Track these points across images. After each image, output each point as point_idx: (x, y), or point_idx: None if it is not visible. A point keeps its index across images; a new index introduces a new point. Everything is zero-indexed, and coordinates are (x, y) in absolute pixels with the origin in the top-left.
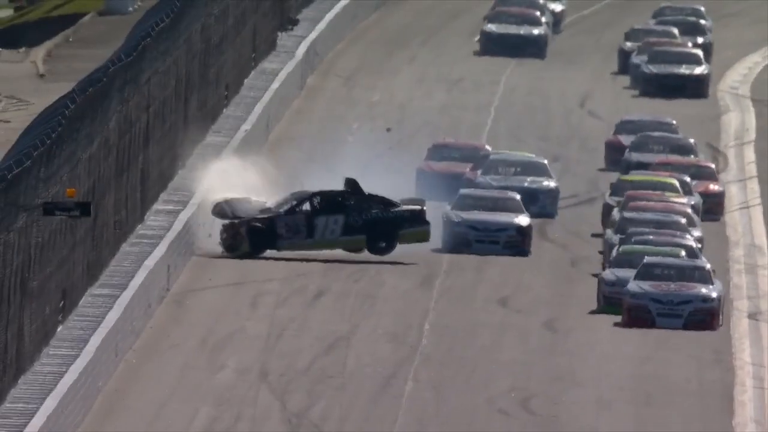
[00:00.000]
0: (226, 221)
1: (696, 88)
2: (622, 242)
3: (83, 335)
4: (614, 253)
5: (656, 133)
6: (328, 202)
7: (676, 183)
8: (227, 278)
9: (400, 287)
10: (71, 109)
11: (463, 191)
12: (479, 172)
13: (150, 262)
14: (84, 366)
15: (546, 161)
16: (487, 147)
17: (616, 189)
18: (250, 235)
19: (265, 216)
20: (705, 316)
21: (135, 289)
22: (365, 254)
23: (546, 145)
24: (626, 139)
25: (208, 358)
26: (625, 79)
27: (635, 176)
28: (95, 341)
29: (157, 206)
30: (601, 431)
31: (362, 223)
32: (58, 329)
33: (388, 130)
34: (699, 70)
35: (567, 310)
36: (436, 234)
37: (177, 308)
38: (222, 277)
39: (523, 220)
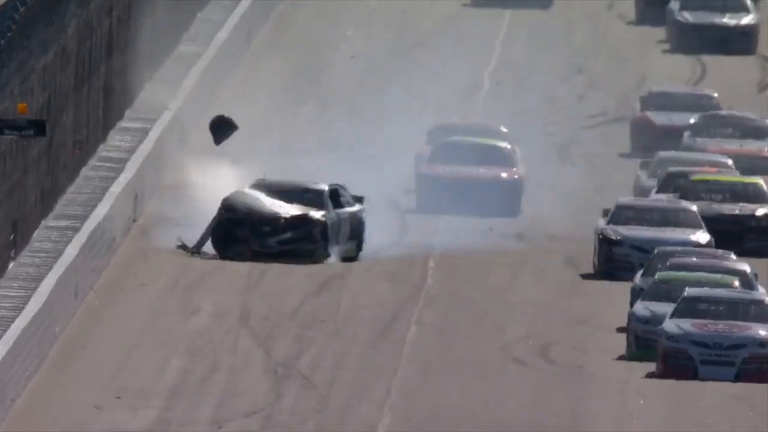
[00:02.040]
0: (281, 220)
1: (742, 42)
2: (650, 266)
3: (37, 273)
4: (637, 279)
5: (724, 112)
6: (337, 197)
7: (764, 185)
8: (203, 208)
9: (401, 218)
10: (22, 12)
11: (622, 201)
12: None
13: (115, 189)
14: (38, 308)
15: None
16: (503, 129)
17: (684, 191)
18: (323, 236)
19: (323, 215)
20: (762, 364)
21: (97, 220)
22: (363, 177)
23: (568, 55)
24: (656, 117)
25: (181, 299)
26: (656, 32)
27: (710, 175)
28: (51, 280)
29: (122, 124)
30: (632, 382)
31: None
32: (9, 266)
33: (353, 57)
34: (746, 19)
35: (591, 244)
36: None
37: (145, 242)
38: (197, 207)
39: (701, 236)
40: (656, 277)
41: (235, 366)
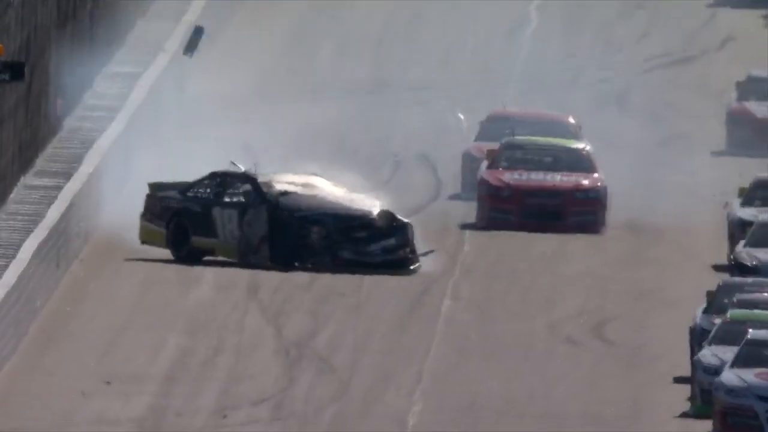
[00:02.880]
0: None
1: None
2: (714, 302)
3: (15, 239)
4: (697, 317)
5: None
6: None
7: None
8: (204, 166)
9: (434, 177)
10: None
11: (764, 218)
12: None
13: (102, 143)
14: (16, 280)
15: None
16: (571, 119)
17: None
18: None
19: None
20: None
21: (83, 178)
22: (387, 128)
23: None
24: (758, 108)
25: (179, 269)
26: None
27: None
28: (30, 247)
29: (111, 68)
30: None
31: None
32: None
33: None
34: None
35: (655, 204)
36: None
37: (139, 204)
38: (198, 165)
39: None
40: (728, 315)
41: (241, 346)
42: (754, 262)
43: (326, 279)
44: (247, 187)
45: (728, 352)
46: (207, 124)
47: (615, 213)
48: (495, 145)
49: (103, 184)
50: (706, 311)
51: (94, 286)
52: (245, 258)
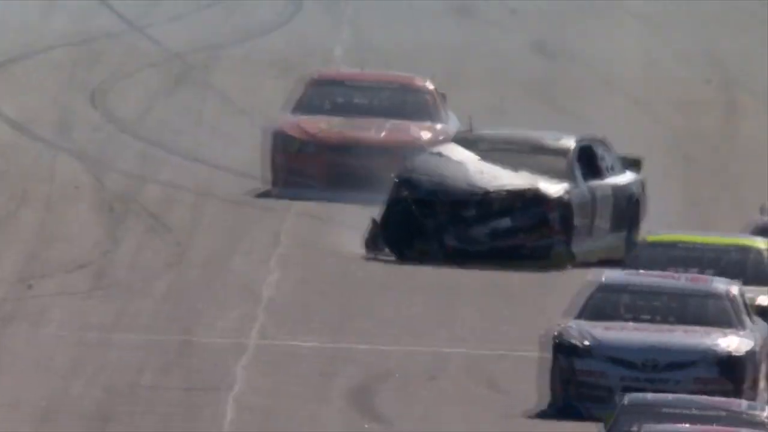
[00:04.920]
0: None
1: None
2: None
3: None
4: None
5: None
6: (593, 159)
7: None
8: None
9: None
10: None
11: (608, 276)
12: None
13: None
14: None
15: None
16: (428, 84)
17: None
18: (564, 225)
19: (565, 190)
20: None
21: None
22: None
23: None
24: None
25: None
26: None
27: None
28: None
29: None
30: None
31: None
32: None
33: None
34: None
35: (569, 23)
36: None
37: None
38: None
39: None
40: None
41: (51, 199)
42: (585, 343)
43: (160, 111)
44: None
45: None
46: None
47: (519, 32)
48: (318, 120)
49: None
50: None
51: None
52: (367, 246)
